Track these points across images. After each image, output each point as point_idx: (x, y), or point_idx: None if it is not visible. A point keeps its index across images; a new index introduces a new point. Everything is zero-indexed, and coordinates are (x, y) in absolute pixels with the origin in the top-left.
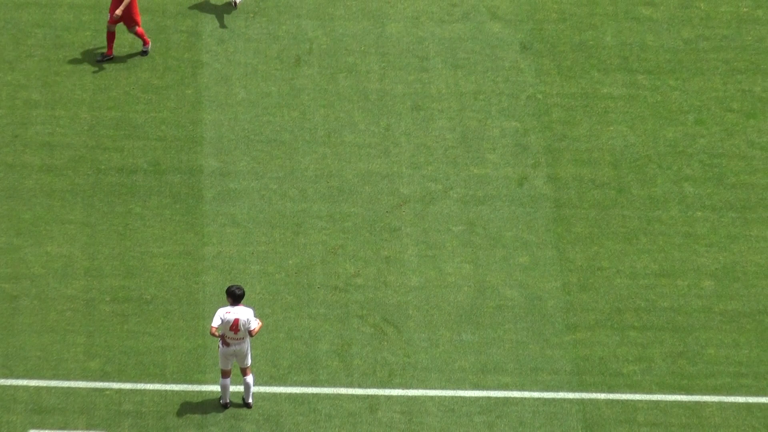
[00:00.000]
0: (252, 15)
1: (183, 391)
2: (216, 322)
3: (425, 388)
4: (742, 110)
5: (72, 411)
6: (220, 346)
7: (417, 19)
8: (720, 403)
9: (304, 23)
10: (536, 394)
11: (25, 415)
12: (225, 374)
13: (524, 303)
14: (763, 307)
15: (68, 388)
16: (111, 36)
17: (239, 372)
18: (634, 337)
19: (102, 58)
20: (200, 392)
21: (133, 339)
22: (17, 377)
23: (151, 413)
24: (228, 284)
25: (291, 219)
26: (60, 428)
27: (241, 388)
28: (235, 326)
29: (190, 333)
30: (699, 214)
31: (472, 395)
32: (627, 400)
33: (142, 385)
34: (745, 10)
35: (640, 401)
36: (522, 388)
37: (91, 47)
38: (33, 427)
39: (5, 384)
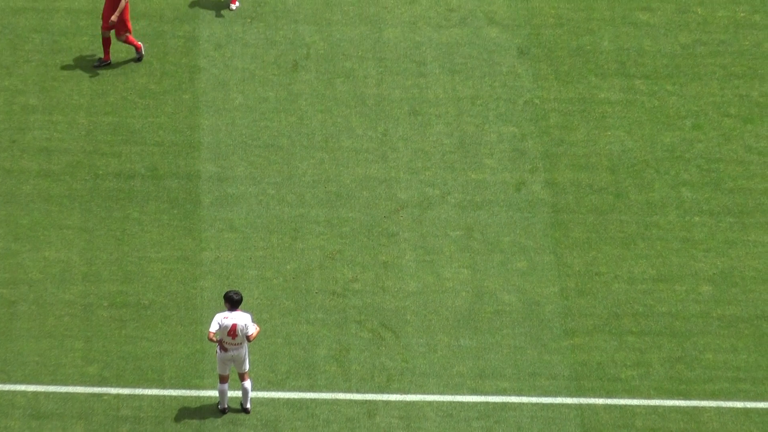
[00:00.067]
0: (249, 20)
1: (181, 396)
2: (214, 327)
3: (423, 393)
4: (739, 115)
5: (70, 416)
6: (218, 351)
7: (414, 24)
8: (718, 408)
9: (301, 28)
10: (534, 399)
11: (24, 420)
12: (223, 379)
13: (522, 308)
14: (761, 312)
15: (66, 393)
16: (106, 42)
17: (237, 377)
18: (632, 342)
19: (99, 64)
20: (198, 397)
21: (131, 344)
22: (15, 382)
23: (150, 418)
24: (226, 289)
25: (289, 224)
26: None
27: (239, 393)
28: (232, 331)
29: (188, 338)
30: (697, 219)
31: (470, 400)
32: (625, 405)
33: (140, 390)
34: (742, 15)
35: (638, 406)
36: (520, 393)
37: (88, 52)
38: None
39: (3, 389)
